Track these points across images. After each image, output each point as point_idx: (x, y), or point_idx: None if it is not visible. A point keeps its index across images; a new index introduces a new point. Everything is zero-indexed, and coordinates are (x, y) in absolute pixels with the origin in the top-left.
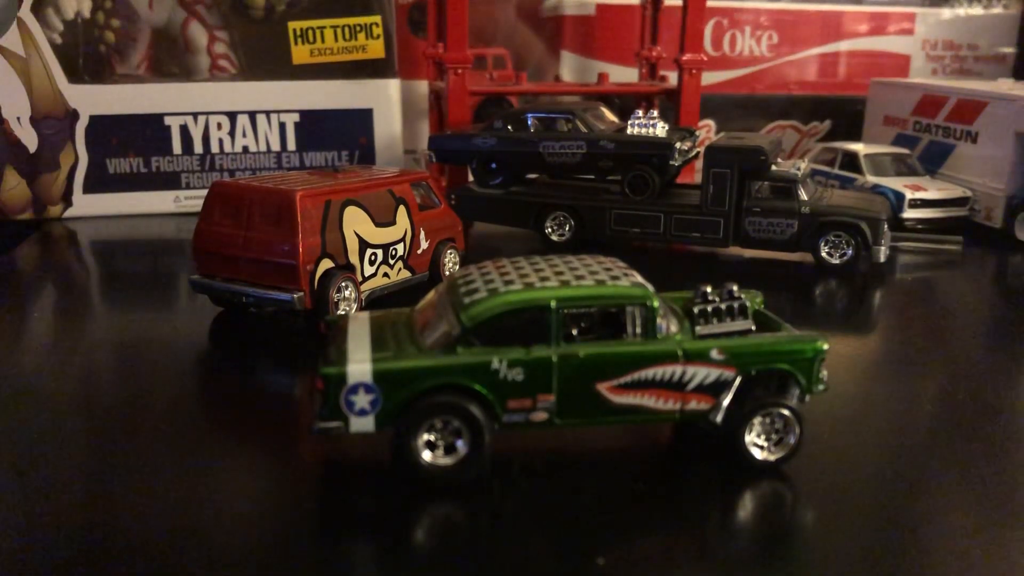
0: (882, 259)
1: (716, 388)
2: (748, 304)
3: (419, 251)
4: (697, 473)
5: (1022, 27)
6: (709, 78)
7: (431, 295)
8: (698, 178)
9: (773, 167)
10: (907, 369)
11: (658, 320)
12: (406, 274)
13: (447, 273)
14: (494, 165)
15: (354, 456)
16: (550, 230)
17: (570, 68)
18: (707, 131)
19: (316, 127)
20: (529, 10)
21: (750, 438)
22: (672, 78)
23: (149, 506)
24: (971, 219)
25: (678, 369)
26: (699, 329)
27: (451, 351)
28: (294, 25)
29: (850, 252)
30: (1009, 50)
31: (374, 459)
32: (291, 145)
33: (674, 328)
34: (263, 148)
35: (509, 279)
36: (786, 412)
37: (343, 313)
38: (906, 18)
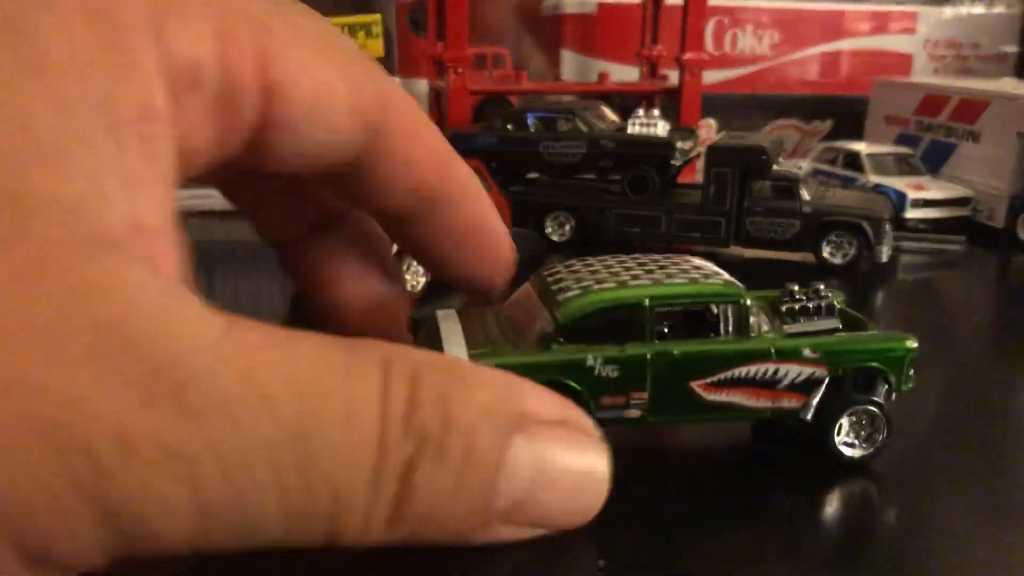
0: (884, 259)
1: (808, 386)
2: (835, 303)
3: None
4: (690, 476)
5: None
6: (710, 77)
7: (519, 293)
8: (699, 178)
9: (775, 167)
10: None
11: (750, 318)
12: None
13: None
14: (495, 164)
15: None
16: (550, 230)
17: (571, 67)
18: (708, 130)
19: None
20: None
21: (840, 436)
22: (673, 77)
23: None
24: (973, 219)
25: (771, 367)
26: (787, 327)
27: (546, 348)
28: None
29: (852, 252)
30: (1011, 49)
31: None
32: None
33: (765, 326)
34: None
35: (600, 277)
36: (875, 410)
37: (431, 310)
38: (908, 17)
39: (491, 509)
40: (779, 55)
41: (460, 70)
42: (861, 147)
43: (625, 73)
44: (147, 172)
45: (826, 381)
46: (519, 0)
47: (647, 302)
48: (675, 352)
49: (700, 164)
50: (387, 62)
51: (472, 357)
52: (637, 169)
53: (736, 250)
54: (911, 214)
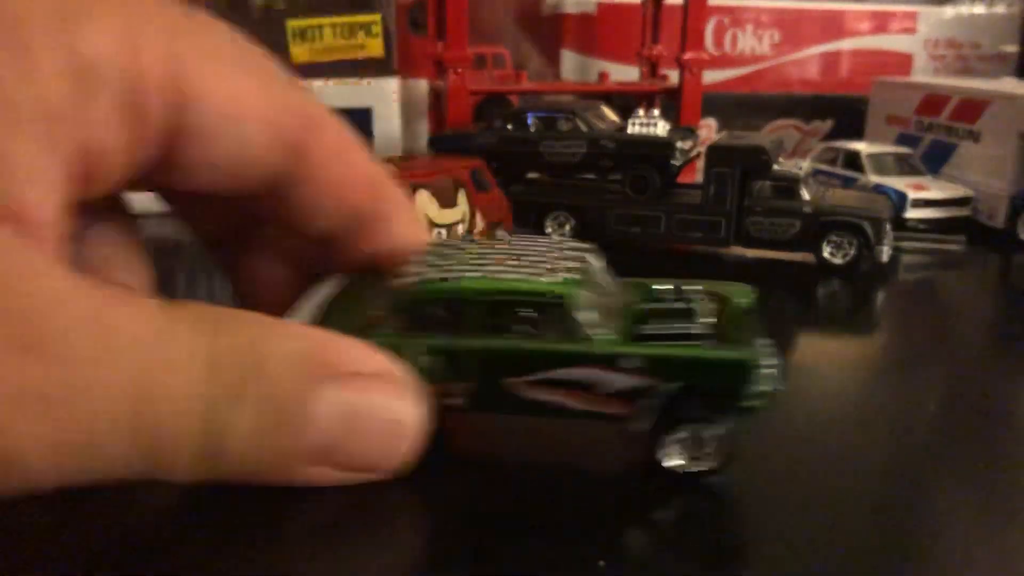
0: (884, 259)
1: (634, 395)
2: (697, 308)
3: (475, 231)
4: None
5: None
6: (710, 77)
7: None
8: (699, 178)
9: (775, 166)
10: (909, 369)
11: (582, 319)
12: None
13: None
14: (495, 164)
15: None
16: (550, 230)
17: (571, 67)
18: (708, 130)
19: None
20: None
21: (669, 450)
22: (673, 77)
23: None
24: (974, 219)
25: (591, 372)
26: (646, 328)
27: (373, 333)
28: (293, 24)
29: (852, 252)
30: (1012, 49)
31: None
32: None
33: (602, 329)
34: None
35: (447, 266)
36: (710, 428)
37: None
38: (908, 17)
39: (299, 452)
40: (779, 55)
41: (460, 70)
42: (861, 147)
43: (625, 73)
44: (39, 167)
45: (658, 392)
46: (519, 0)
47: (472, 296)
48: (493, 347)
49: (700, 164)
50: (387, 62)
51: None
52: (637, 169)
53: (736, 250)
54: (911, 214)
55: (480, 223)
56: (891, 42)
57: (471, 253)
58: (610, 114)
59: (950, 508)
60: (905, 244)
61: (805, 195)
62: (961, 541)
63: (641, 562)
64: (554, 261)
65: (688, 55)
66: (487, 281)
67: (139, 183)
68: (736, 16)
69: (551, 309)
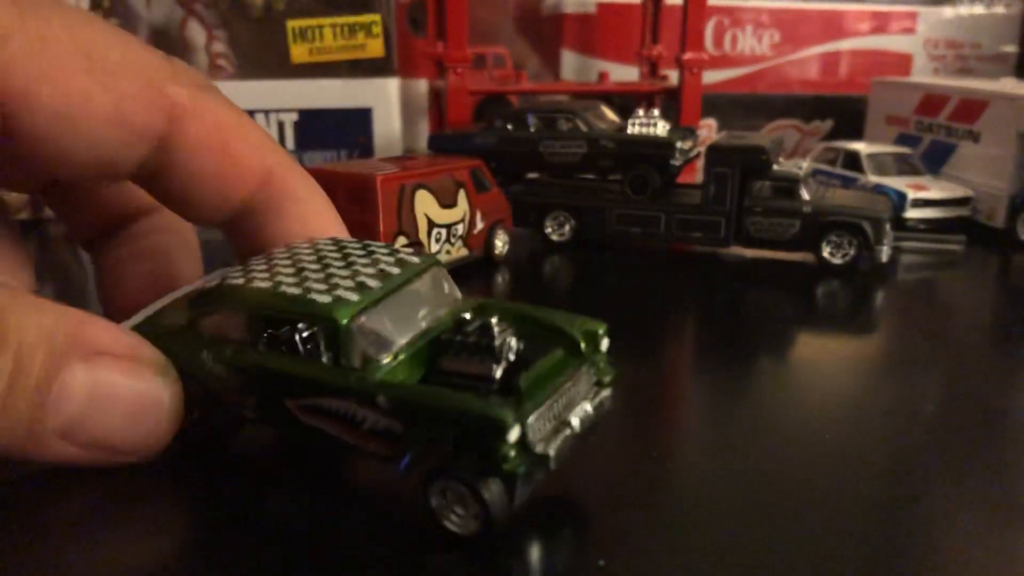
0: (884, 259)
1: (390, 437)
2: (499, 346)
3: (475, 231)
4: (691, 477)
5: None
6: (710, 77)
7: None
8: (699, 178)
9: (775, 167)
10: (908, 369)
11: (351, 345)
12: (464, 252)
13: (498, 250)
14: (495, 164)
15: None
16: (550, 230)
17: (571, 67)
18: (708, 130)
19: (315, 126)
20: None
21: (437, 502)
22: (673, 77)
23: None
24: (973, 219)
25: (350, 407)
26: (442, 362)
27: (181, 335)
28: (293, 24)
29: (852, 252)
30: (1011, 49)
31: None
32: (290, 144)
33: (377, 359)
34: None
35: (253, 273)
36: (461, 487)
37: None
38: (908, 17)
39: (43, 426)
40: (779, 55)
41: (460, 70)
42: (861, 147)
43: (625, 73)
44: None
45: (409, 438)
46: (519, 0)
47: (253, 310)
48: (269, 365)
49: (700, 164)
50: (387, 62)
51: (134, 327)
52: (637, 169)
53: (736, 250)
54: (911, 214)
55: (480, 223)
56: (891, 42)
57: (304, 258)
58: (610, 114)
59: (949, 507)
60: (905, 244)
61: (805, 195)
62: (960, 540)
63: (642, 561)
64: (361, 274)
65: (688, 55)
66: (269, 296)
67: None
68: (736, 16)
69: (323, 331)
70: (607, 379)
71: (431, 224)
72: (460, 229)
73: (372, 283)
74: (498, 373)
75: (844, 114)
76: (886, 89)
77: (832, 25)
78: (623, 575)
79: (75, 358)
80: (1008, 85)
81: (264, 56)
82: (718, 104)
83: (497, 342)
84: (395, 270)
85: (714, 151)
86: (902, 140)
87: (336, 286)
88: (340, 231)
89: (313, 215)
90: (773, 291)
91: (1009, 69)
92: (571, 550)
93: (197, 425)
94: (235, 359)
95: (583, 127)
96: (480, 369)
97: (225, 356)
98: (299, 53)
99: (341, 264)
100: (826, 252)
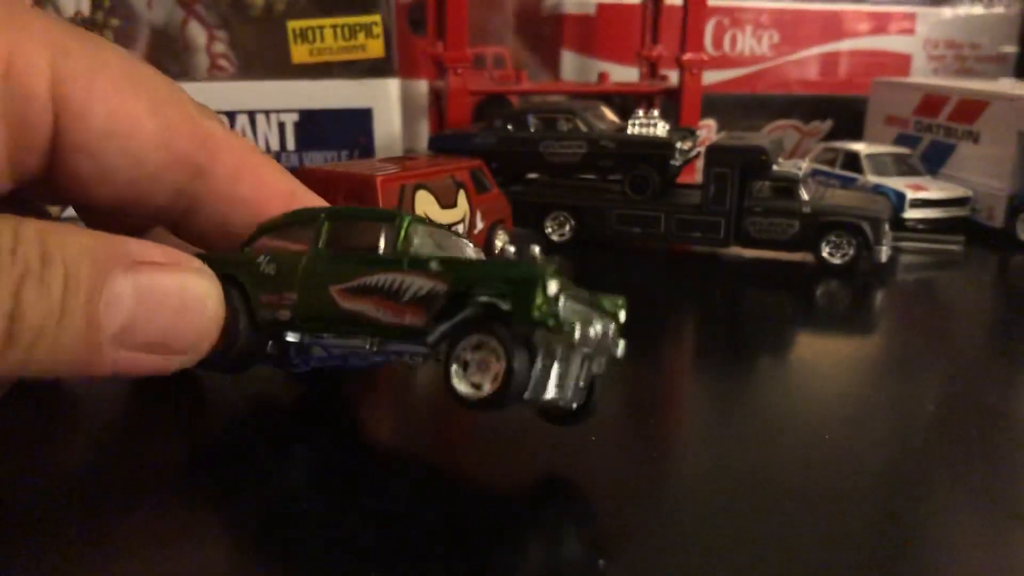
0: (883, 259)
1: (428, 301)
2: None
3: (476, 231)
4: (691, 477)
5: (1023, 26)
6: (710, 77)
7: None
8: (699, 178)
9: (774, 167)
10: (908, 369)
11: (413, 240)
12: None
13: (498, 251)
14: (495, 165)
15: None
16: (550, 230)
17: (571, 67)
18: (708, 131)
19: (315, 127)
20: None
21: (456, 372)
22: (673, 77)
23: None
24: (972, 219)
25: (397, 277)
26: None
27: (239, 251)
28: (293, 24)
29: (851, 252)
30: (1010, 49)
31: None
32: (290, 145)
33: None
34: (262, 148)
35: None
36: (490, 338)
37: None
38: (907, 17)
39: (98, 333)
40: (779, 55)
41: (460, 70)
42: (860, 147)
43: (625, 74)
44: None
45: (455, 311)
46: (519, 0)
47: (321, 214)
48: (322, 254)
49: (700, 164)
50: (387, 62)
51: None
52: (637, 169)
53: (736, 250)
54: (910, 214)
55: (480, 223)
56: (890, 43)
57: None
58: (610, 115)
59: (948, 507)
60: (904, 244)
61: (804, 195)
62: (960, 540)
63: (642, 561)
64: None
65: (688, 56)
66: (341, 208)
67: (35, 192)
68: (736, 17)
69: (387, 229)
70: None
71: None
72: (460, 229)
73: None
74: None
75: (843, 114)
76: (886, 89)
77: (831, 26)
78: (623, 575)
79: (117, 267)
80: (1007, 85)
81: (265, 57)
82: (718, 104)
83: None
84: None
85: (714, 151)
86: (901, 140)
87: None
88: None
89: None
90: (772, 291)
91: (1008, 69)
92: (570, 550)
93: (224, 337)
94: (291, 259)
95: (583, 127)
96: None
97: (280, 257)
98: (300, 54)
99: None
100: (825, 252)
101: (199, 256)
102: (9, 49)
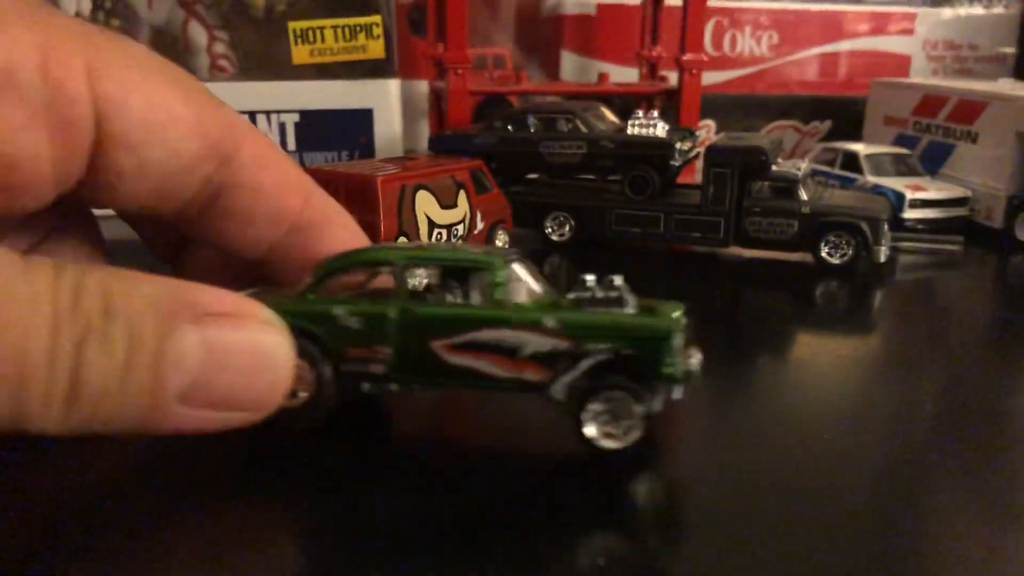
0: (882, 259)
1: (551, 359)
2: (628, 298)
3: (476, 231)
4: (690, 476)
5: (1022, 27)
6: (710, 78)
7: None
8: (698, 178)
9: (773, 167)
10: (907, 369)
11: (509, 288)
12: None
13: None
14: (495, 165)
15: None
16: (550, 230)
17: (570, 68)
18: (707, 131)
19: (316, 127)
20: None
21: (586, 420)
22: (672, 78)
23: None
24: (971, 219)
25: (511, 334)
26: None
27: (302, 298)
28: (294, 25)
29: (850, 252)
30: (1009, 50)
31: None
32: (291, 145)
33: (527, 299)
34: None
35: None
36: (624, 396)
37: None
38: (907, 18)
39: (164, 393)
40: (778, 56)
41: (460, 71)
42: (860, 148)
43: (624, 74)
44: None
45: (579, 361)
46: (519, 1)
47: (399, 260)
48: (418, 309)
49: (699, 165)
50: (388, 63)
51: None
52: (637, 170)
53: (735, 250)
54: (909, 214)
55: (480, 224)
56: (889, 43)
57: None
58: (609, 115)
59: (947, 507)
60: (903, 244)
61: (803, 196)
62: (959, 540)
63: (642, 561)
64: (484, 249)
65: (687, 56)
66: (419, 250)
67: (79, 196)
68: (735, 17)
69: (477, 276)
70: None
71: (432, 224)
72: (460, 229)
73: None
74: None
75: (843, 115)
76: (885, 90)
77: (831, 26)
78: (622, 575)
79: (184, 320)
80: (1006, 86)
81: (266, 57)
82: (717, 105)
83: (624, 294)
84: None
85: (713, 152)
86: (900, 141)
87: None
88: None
89: (352, 236)
90: (772, 291)
91: (1007, 70)
92: (569, 549)
93: (309, 398)
94: (375, 309)
95: (583, 128)
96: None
97: (362, 308)
98: (300, 54)
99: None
100: (824, 252)
101: (265, 298)
102: (43, 46)
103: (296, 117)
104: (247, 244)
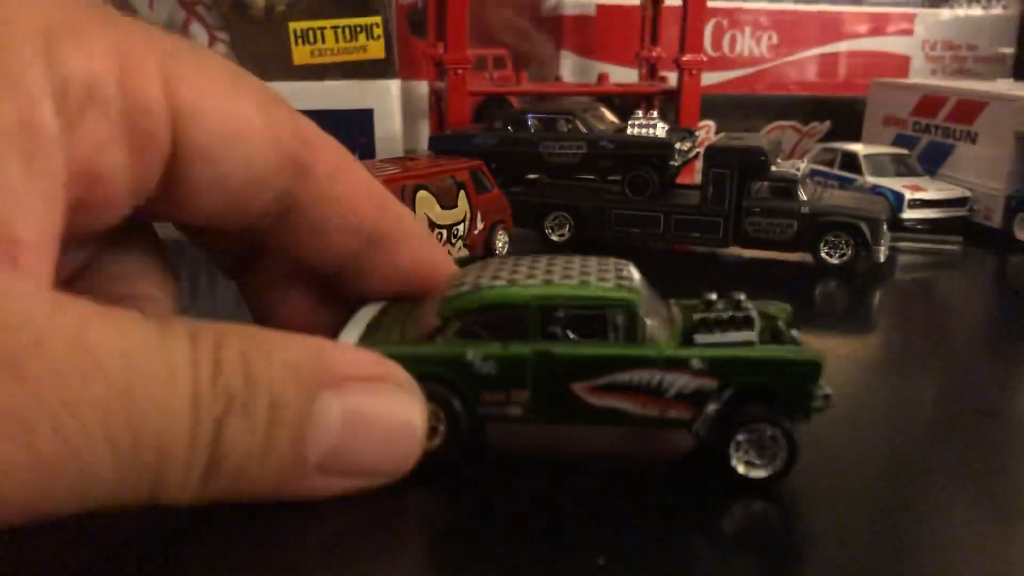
0: (881, 259)
1: (697, 398)
2: (755, 316)
3: (476, 231)
4: (690, 476)
5: (1021, 27)
6: (709, 78)
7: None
8: (698, 178)
9: (773, 167)
10: (907, 369)
11: (646, 325)
12: (464, 252)
13: (498, 251)
14: (495, 165)
15: None
16: (550, 230)
17: (570, 68)
18: (707, 132)
19: None
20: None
21: (735, 453)
22: (672, 78)
23: None
24: (970, 219)
25: (656, 375)
26: (698, 338)
27: (430, 341)
28: (294, 26)
29: (850, 252)
30: (1008, 50)
31: None
32: None
33: (664, 334)
34: None
35: (497, 276)
36: (773, 429)
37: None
38: (906, 19)
39: (303, 462)
40: (778, 56)
41: (460, 71)
42: (859, 148)
43: (624, 75)
44: (26, 188)
45: (721, 394)
46: (519, 1)
47: (532, 302)
48: (556, 352)
49: (699, 165)
50: (388, 63)
51: (360, 344)
52: (636, 170)
53: (735, 250)
54: (908, 215)
55: (480, 224)
56: (889, 44)
57: (515, 266)
58: (609, 115)
59: (947, 506)
60: (902, 244)
61: (803, 196)
62: (958, 540)
63: (642, 560)
64: (601, 272)
65: (687, 57)
66: (551, 287)
67: (149, 211)
68: (734, 18)
69: (614, 314)
70: None
71: (432, 224)
72: (460, 230)
73: (617, 275)
74: (757, 339)
75: (842, 115)
76: (884, 90)
77: (830, 27)
78: (622, 574)
79: (326, 387)
80: (1005, 86)
81: (266, 58)
82: (717, 105)
83: (752, 313)
84: (617, 267)
85: (713, 152)
86: (900, 141)
87: (600, 280)
88: (451, 266)
89: (429, 248)
90: (771, 291)
91: (1006, 70)
92: (570, 548)
93: (442, 443)
94: (510, 353)
95: (583, 128)
96: (744, 338)
97: (495, 352)
98: (301, 55)
99: (571, 266)
100: (824, 252)
101: (390, 343)
102: (121, 56)
103: None
104: (320, 256)
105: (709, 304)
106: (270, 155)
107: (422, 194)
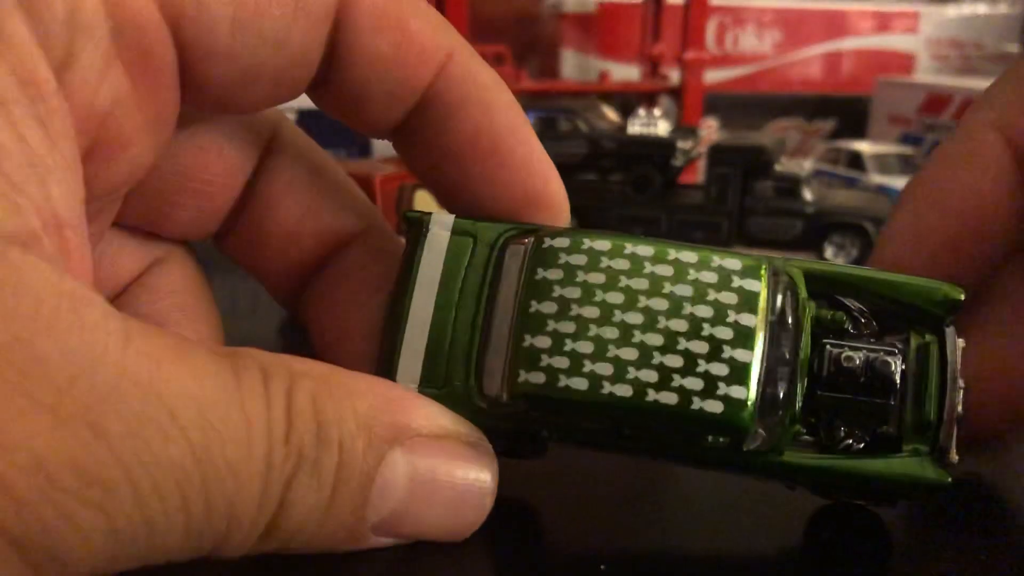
0: None
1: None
2: (895, 370)
3: None
4: (691, 478)
5: None
6: (712, 76)
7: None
8: (701, 177)
9: (777, 166)
10: None
11: (753, 437)
12: None
13: None
14: None
15: None
16: None
17: (571, 66)
18: (710, 130)
19: (315, 126)
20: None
21: None
22: (674, 76)
23: None
24: None
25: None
26: (821, 395)
27: (491, 414)
28: None
29: (855, 252)
30: (1014, 48)
31: None
32: None
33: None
34: None
35: (580, 334)
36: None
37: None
38: (911, 16)
39: (363, 524)
40: (781, 54)
41: None
42: (864, 147)
43: (626, 72)
44: (51, 158)
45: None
46: (519, 0)
47: (609, 414)
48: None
49: (702, 164)
50: None
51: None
52: (638, 169)
53: (738, 250)
54: None
55: None
56: (894, 42)
57: (604, 304)
58: (610, 114)
59: (946, 506)
60: None
61: (807, 195)
62: (959, 541)
63: (643, 564)
64: (715, 328)
65: (689, 55)
66: (643, 402)
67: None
68: (738, 15)
69: (720, 434)
70: None
71: None
72: None
73: (740, 347)
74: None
75: (847, 114)
76: (889, 88)
77: (834, 24)
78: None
79: (395, 445)
80: None
81: None
82: (720, 103)
83: (896, 376)
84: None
85: (716, 151)
86: (905, 139)
87: (708, 374)
88: (529, 133)
89: (502, 108)
90: None
91: None
92: (571, 554)
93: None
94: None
95: (584, 127)
96: (876, 410)
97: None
98: None
99: (679, 318)
100: (828, 252)
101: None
102: None
103: (294, 116)
104: (366, 125)
105: (838, 324)
106: (299, 25)
107: (420, 194)
